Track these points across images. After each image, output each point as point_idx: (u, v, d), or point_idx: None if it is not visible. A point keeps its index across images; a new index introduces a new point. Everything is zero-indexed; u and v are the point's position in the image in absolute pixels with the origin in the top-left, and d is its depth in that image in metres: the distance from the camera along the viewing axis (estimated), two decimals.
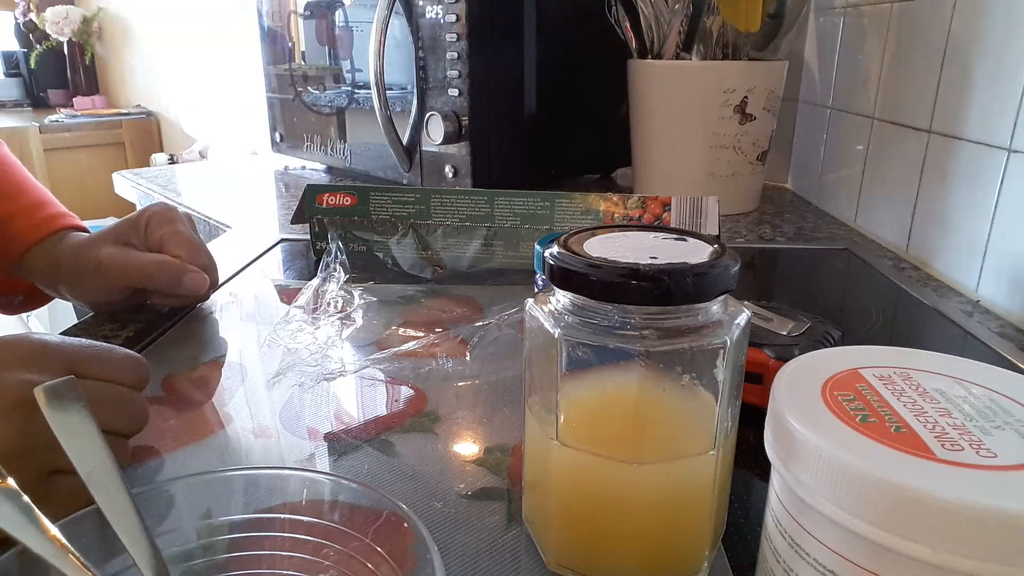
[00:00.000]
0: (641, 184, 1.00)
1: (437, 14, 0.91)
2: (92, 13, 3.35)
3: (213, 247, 0.83)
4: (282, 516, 0.29)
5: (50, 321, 2.34)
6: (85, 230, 0.63)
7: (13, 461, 0.26)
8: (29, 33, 3.46)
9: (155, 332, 0.57)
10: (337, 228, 0.72)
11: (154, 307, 0.61)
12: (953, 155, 0.70)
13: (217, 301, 0.65)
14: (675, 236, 0.32)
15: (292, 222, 0.76)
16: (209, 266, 0.59)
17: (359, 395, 0.49)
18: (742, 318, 0.29)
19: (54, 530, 0.25)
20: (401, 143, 1.01)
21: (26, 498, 0.25)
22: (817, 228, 0.91)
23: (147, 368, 0.39)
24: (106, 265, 0.56)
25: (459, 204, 0.71)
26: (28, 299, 0.67)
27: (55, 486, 0.32)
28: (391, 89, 1.00)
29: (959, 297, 0.67)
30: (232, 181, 1.26)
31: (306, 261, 0.76)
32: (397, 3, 0.94)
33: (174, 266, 0.56)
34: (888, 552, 0.20)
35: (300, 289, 0.64)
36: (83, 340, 0.37)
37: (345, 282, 0.65)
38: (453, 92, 0.93)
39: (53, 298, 0.66)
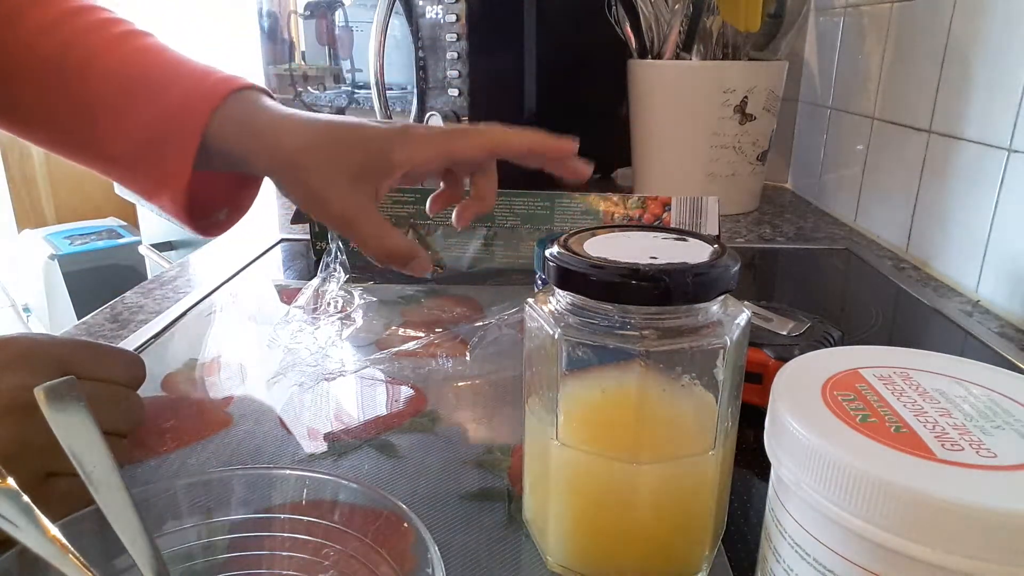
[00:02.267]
0: (641, 184, 1.00)
1: (437, 14, 0.91)
2: None
3: (213, 247, 0.83)
4: (282, 516, 0.29)
5: (50, 321, 2.34)
6: (264, 91, 0.48)
7: (8, 465, 0.25)
8: None
9: (155, 332, 0.57)
10: None
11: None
12: (953, 155, 0.70)
13: (217, 301, 0.65)
14: (675, 236, 0.32)
15: (292, 222, 0.76)
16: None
17: (359, 395, 0.49)
18: (742, 318, 0.29)
19: (54, 530, 0.24)
20: None
21: (26, 498, 0.25)
22: (817, 228, 0.91)
23: (143, 366, 0.38)
24: (325, 212, 0.44)
25: None
26: (231, 209, 0.52)
27: (52, 489, 0.32)
28: (391, 89, 1.00)
29: (959, 297, 0.67)
30: None
31: (306, 261, 0.76)
32: (397, 3, 0.94)
33: (401, 250, 0.44)
34: (888, 552, 0.20)
35: (300, 289, 0.64)
36: (76, 339, 0.37)
37: (345, 282, 0.65)
38: (453, 92, 0.93)
39: (254, 200, 0.53)
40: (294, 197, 0.45)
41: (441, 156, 0.45)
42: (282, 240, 0.83)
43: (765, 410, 0.24)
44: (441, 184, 0.50)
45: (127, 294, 0.67)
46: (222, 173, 0.49)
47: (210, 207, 0.51)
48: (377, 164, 0.43)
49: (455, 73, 0.92)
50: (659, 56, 0.92)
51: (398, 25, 0.97)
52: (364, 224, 0.43)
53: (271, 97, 0.47)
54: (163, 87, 0.45)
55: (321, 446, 0.42)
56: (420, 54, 0.95)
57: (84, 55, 0.44)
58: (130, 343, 0.55)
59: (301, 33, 1.17)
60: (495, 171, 0.48)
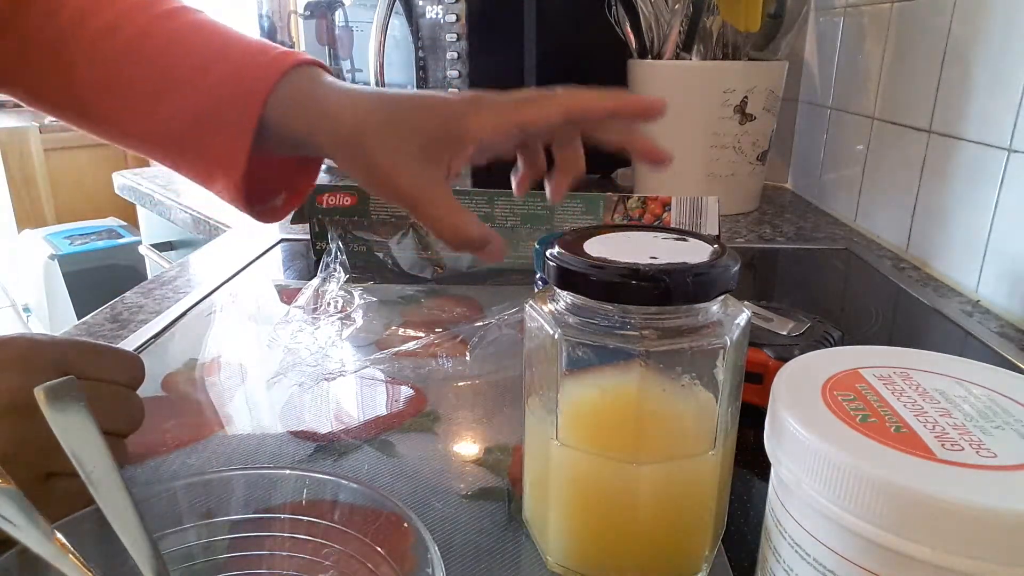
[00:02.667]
0: (641, 184, 1.00)
1: (437, 14, 0.91)
2: None
3: (213, 247, 0.83)
4: (282, 516, 0.29)
5: (50, 321, 2.34)
6: (322, 66, 0.45)
7: (8, 465, 0.25)
8: None
9: (155, 332, 0.57)
10: (337, 228, 0.72)
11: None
12: (953, 155, 0.70)
13: (217, 301, 0.65)
14: (675, 236, 0.32)
15: (292, 222, 0.76)
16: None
17: (359, 395, 0.49)
18: (742, 318, 0.29)
19: (54, 530, 0.24)
20: None
21: (26, 498, 0.25)
22: (817, 228, 0.91)
23: (142, 366, 0.38)
24: (391, 189, 0.41)
25: None
26: (289, 194, 0.50)
27: (52, 489, 0.32)
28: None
29: (959, 297, 0.67)
30: None
31: (306, 261, 0.76)
32: (397, 3, 0.94)
33: (471, 233, 0.41)
34: (888, 552, 0.20)
35: (300, 289, 0.64)
36: (75, 339, 0.37)
37: (345, 282, 0.65)
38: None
39: (313, 185, 0.50)
40: (359, 176, 0.42)
41: (516, 124, 0.41)
42: (282, 240, 0.83)
43: (765, 410, 0.24)
44: (519, 163, 0.46)
45: (127, 294, 0.67)
46: (279, 156, 0.47)
47: (267, 192, 0.48)
48: (448, 137, 0.40)
49: (455, 73, 0.92)
50: (659, 56, 0.92)
51: (398, 25, 0.97)
52: (435, 204, 0.40)
53: (329, 72, 0.45)
54: (216, 64, 0.42)
55: (321, 446, 0.42)
56: (420, 54, 0.95)
57: (133, 33, 0.43)
58: (130, 343, 0.55)
59: (301, 33, 1.17)
60: (578, 138, 0.44)
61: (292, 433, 0.44)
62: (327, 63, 1.13)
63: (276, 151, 0.44)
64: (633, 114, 0.43)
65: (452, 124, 0.40)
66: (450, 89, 0.93)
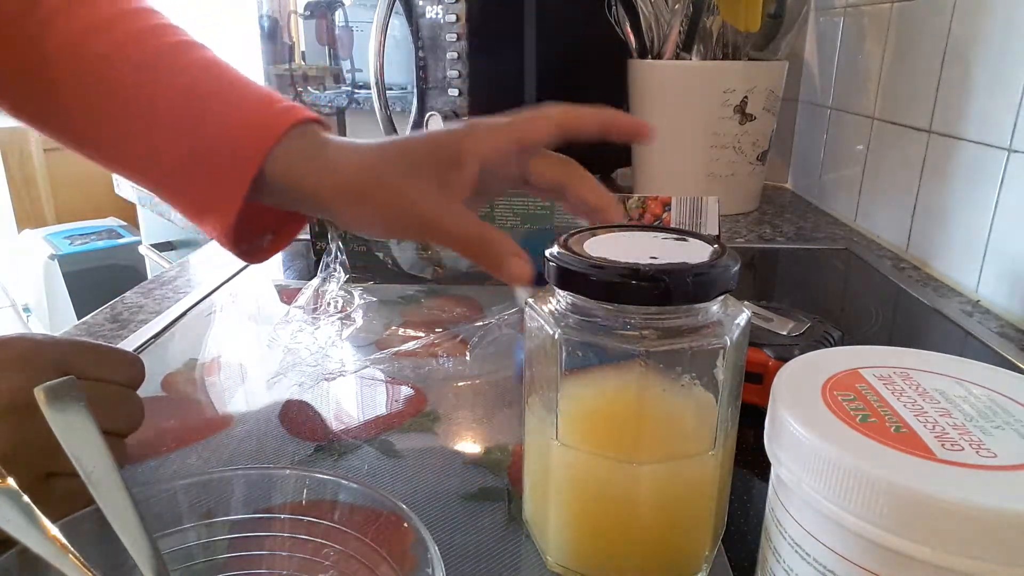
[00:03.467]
0: (641, 184, 1.00)
1: (437, 14, 0.91)
2: None
3: (213, 247, 0.83)
4: (282, 516, 0.29)
5: (50, 321, 2.34)
6: (323, 123, 0.45)
7: (8, 465, 0.25)
8: None
9: (155, 332, 0.57)
10: (337, 228, 0.72)
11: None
12: (953, 155, 0.70)
13: (217, 301, 0.65)
14: (675, 236, 0.32)
15: None
16: None
17: (359, 395, 0.49)
18: (742, 318, 0.29)
19: (54, 530, 0.24)
20: None
21: (26, 498, 0.25)
22: (817, 228, 0.91)
23: (142, 366, 0.38)
24: (410, 216, 0.41)
25: None
26: (276, 236, 0.50)
27: (52, 489, 0.32)
28: (391, 89, 1.00)
29: (959, 297, 0.67)
30: None
31: (306, 261, 0.76)
32: (397, 3, 0.94)
33: (495, 246, 0.41)
34: (888, 552, 0.20)
35: (300, 289, 0.64)
36: (75, 339, 0.37)
37: (345, 282, 0.65)
38: (453, 92, 0.93)
39: (302, 228, 0.50)
40: (370, 220, 0.42)
41: (511, 140, 0.42)
42: None
43: (765, 410, 0.24)
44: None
45: (127, 294, 0.67)
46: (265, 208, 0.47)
47: (255, 232, 0.48)
48: (451, 160, 0.41)
49: (455, 73, 0.92)
50: (659, 56, 0.92)
51: (398, 25, 0.97)
52: (458, 216, 0.40)
53: (328, 129, 0.45)
54: (220, 107, 0.42)
55: (321, 446, 0.42)
56: (420, 54, 0.95)
57: (139, 59, 0.42)
58: (130, 343, 0.55)
59: (301, 33, 1.17)
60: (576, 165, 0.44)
61: (292, 433, 0.44)
62: (327, 63, 1.13)
63: (269, 202, 0.44)
64: (622, 135, 0.44)
65: (453, 147, 0.41)
66: (450, 91, 0.93)
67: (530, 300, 0.31)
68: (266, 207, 0.46)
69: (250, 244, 0.48)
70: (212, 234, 0.45)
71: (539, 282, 0.44)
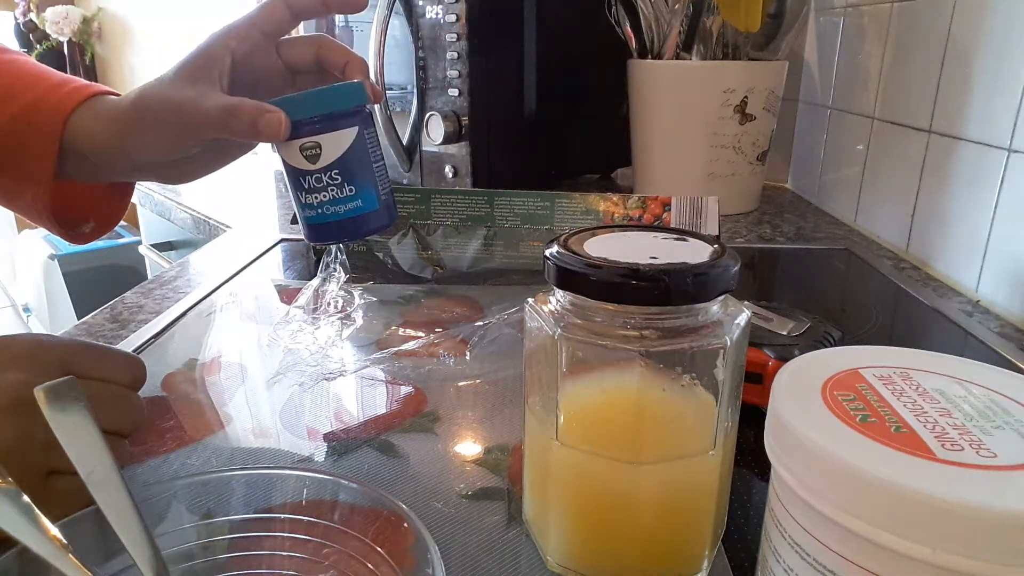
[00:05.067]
0: (641, 184, 1.00)
1: (437, 14, 0.91)
2: (92, 13, 3.35)
3: (213, 247, 0.83)
4: (282, 516, 0.29)
5: (50, 321, 2.34)
6: (118, 95, 0.50)
7: (10, 462, 0.26)
8: (29, 33, 3.46)
9: (155, 332, 0.57)
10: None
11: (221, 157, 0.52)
12: (953, 155, 0.70)
13: (217, 301, 0.65)
14: (675, 236, 0.32)
15: (292, 222, 0.76)
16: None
17: (359, 395, 0.49)
18: (742, 318, 0.29)
19: (54, 530, 0.25)
20: (401, 143, 1.01)
21: (26, 498, 0.25)
22: (817, 228, 0.91)
23: (143, 367, 0.39)
24: (177, 116, 0.45)
25: (459, 204, 0.71)
26: (97, 223, 0.55)
27: (53, 487, 0.32)
28: (391, 89, 1.00)
29: (959, 297, 0.67)
30: (232, 181, 1.26)
31: (306, 261, 0.76)
32: (397, 3, 0.94)
33: (246, 110, 0.45)
34: (888, 552, 0.20)
35: (300, 289, 0.64)
36: (79, 339, 0.37)
37: (345, 282, 0.65)
38: (453, 92, 0.93)
39: (122, 214, 0.56)
40: (154, 143, 0.46)
41: (251, 29, 0.47)
42: (282, 240, 0.83)
43: (765, 410, 0.24)
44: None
45: (127, 294, 0.67)
46: (89, 186, 0.53)
47: (77, 218, 0.54)
48: (201, 63, 0.46)
49: (455, 73, 0.92)
50: (659, 56, 0.92)
51: (398, 25, 0.97)
52: (201, 105, 0.44)
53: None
54: (23, 92, 0.48)
55: (321, 446, 0.42)
56: (420, 54, 0.95)
57: None
58: (130, 343, 0.55)
59: (301, 33, 1.17)
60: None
61: (292, 433, 0.44)
62: None
63: (82, 176, 0.50)
64: (338, 6, 0.50)
65: (203, 51, 0.47)
66: (450, 91, 0.93)
67: (530, 300, 0.31)
68: (84, 192, 0.53)
69: (73, 230, 0.54)
70: (32, 210, 0.51)
71: (297, 132, 0.44)
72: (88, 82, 0.50)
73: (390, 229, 0.72)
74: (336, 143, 0.46)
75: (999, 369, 0.25)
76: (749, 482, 0.39)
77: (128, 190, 0.56)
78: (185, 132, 0.46)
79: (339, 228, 0.47)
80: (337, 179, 0.46)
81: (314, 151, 0.45)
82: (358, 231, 0.48)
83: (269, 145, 0.48)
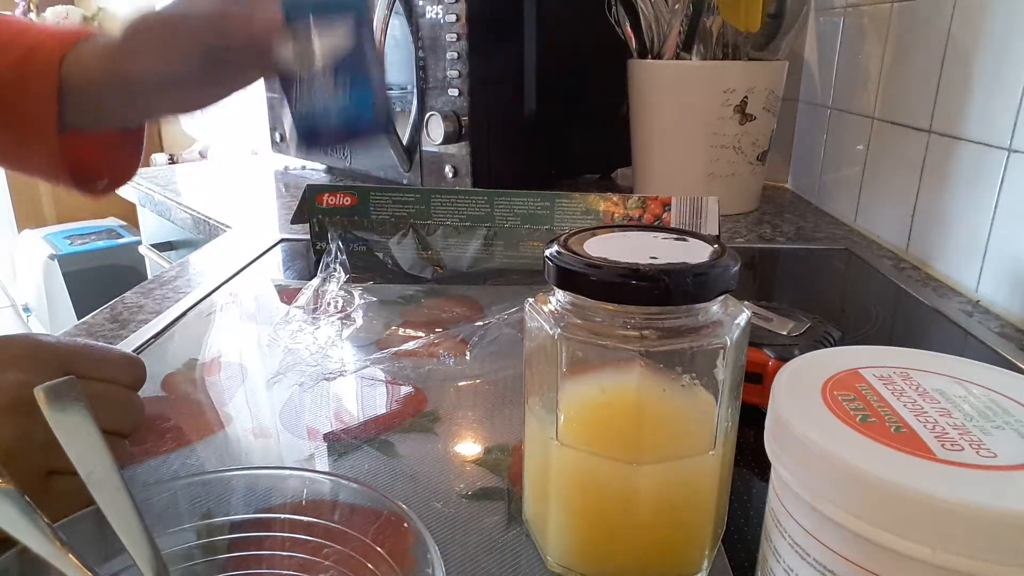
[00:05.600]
0: (641, 184, 1.00)
1: (437, 14, 0.91)
2: (92, 13, 3.35)
3: (213, 247, 0.83)
4: (282, 516, 0.29)
5: (50, 321, 2.34)
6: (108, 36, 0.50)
7: (11, 462, 0.26)
8: None
9: (155, 332, 0.57)
10: (337, 228, 0.72)
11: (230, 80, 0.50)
12: (953, 155, 0.70)
13: (217, 301, 0.65)
14: (675, 236, 0.32)
15: (292, 222, 0.76)
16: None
17: (359, 395, 0.49)
18: (742, 318, 0.29)
19: (54, 530, 0.24)
20: (401, 143, 1.01)
21: (26, 498, 0.25)
22: (817, 228, 0.91)
23: (143, 367, 0.39)
24: (164, 21, 0.45)
25: (459, 204, 0.71)
26: (111, 179, 0.56)
27: (53, 486, 0.32)
28: (391, 89, 1.00)
29: (959, 297, 0.67)
30: (232, 181, 1.26)
31: (306, 261, 0.76)
32: (397, 3, 0.94)
33: (242, 6, 0.45)
34: (888, 552, 0.20)
35: (300, 289, 0.64)
36: (79, 339, 0.37)
37: (345, 282, 0.65)
38: (453, 92, 0.93)
39: (135, 167, 0.56)
40: (164, 54, 0.46)
41: None
42: (282, 240, 0.83)
43: (765, 410, 0.24)
44: None
45: (127, 294, 0.67)
46: (99, 140, 0.52)
47: (91, 174, 0.54)
48: None
49: (455, 73, 0.92)
50: (659, 56, 0.92)
51: (398, 25, 0.97)
52: (196, 8, 0.44)
53: None
54: (16, 38, 0.48)
55: (321, 446, 0.42)
56: (420, 54, 0.95)
57: None
58: (130, 343, 0.55)
59: None
60: None
61: (292, 433, 0.44)
62: None
63: (86, 120, 0.49)
64: None
65: (180, 42, 0.46)
66: (450, 91, 0.93)
67: (530, 300, 0.31)
68: (94, 146, 0.52)
69: (88, 186, 0.54)
70: (42, 164, 0.50)
71: (291, 30, 0.43)
72: (79, 27, 0.50)
73: (390, 229, 0.71)
74: (331, 43, 0.45)
75: (999, 369, 0.25)
76: (749, 482, 0.39)
77: (138, 140, 0.55)
78: (182, 44, 0.45)
79: (330, 132, 0.47)
80: (331, 80, 0.46)
81: (308, 49, 0.45)
82: (351, 135, 0.48)
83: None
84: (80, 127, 0.50)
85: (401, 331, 0.58)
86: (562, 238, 0.31)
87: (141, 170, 1.32)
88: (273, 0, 0.44)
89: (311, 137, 0.47)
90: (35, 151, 0.49)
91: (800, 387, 0.24)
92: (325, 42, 0.45)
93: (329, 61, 0.45)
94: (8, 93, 0.47)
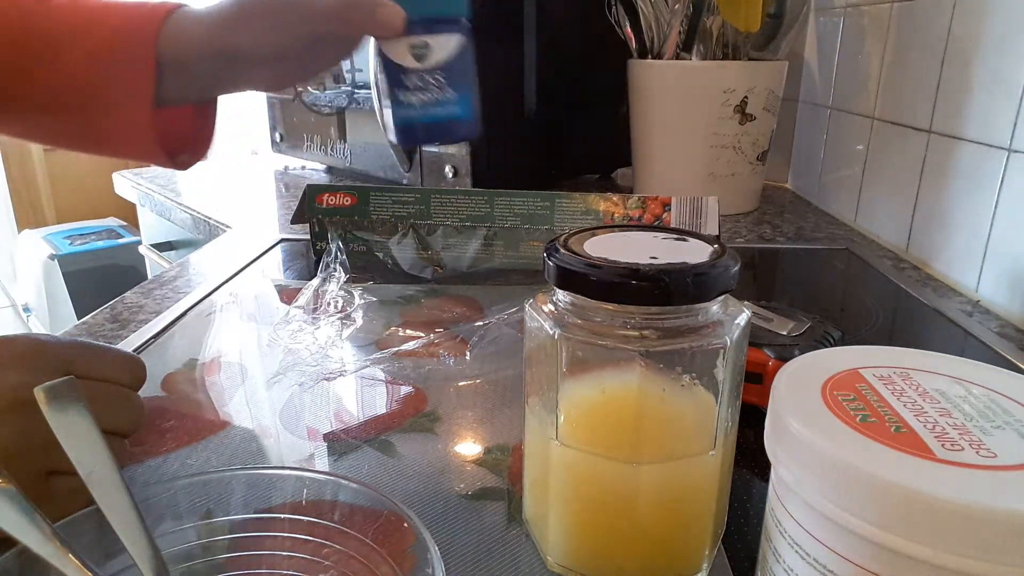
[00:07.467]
0: (641, 184, 1.00)
1: None
2: None
3: (213, 247, 0.83)
4: (282, 516, 0.29)
5: (50, 321, 2.34)
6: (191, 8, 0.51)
7: (10, 462, 0.25)
8: None
9: (155, 332, 0.57)
10: (337, 228, 0.72)
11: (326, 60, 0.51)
12: (953, 155, 0.70)
13: (217, 301, 0.65)
14: (675, 236, 0.32)
15: (292, 222, 0.76)
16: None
17: (359, 395, 0.49)
18: (742, 318, 0.29)
19: (54, 530, 0.24)
20: None
21: (26, 498, 0.25)
22: (817, 228, 0.91)
23: (143, 367, 0.39)
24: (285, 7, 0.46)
25: (459, 204, 0.71)
26: (191, 152, 0.55)
27: (54, 487, 0.32)
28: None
29: (959, 297, 0.67)
30: (232, 181, 1.26)
31: (306, 261, 0.76)
32: None
33: (367, 1, 0.45)
34: (888, 552, 0.20)
35: (300, 289, 0.64)
36: (79, 339, 0.37)
37: (345, 282, 0.65)
38: None
39: (211, 139, 0.56)
40: (262, 35, 0.46)
41: None
42: (282, 240, 0.83)
43: (765, 410, 0.24)
44: None
45: (127, 294, 0.67)
46: (174, 115, 0.52)
47: (175, 149, 0.53)
48: None
49: None
50: (659, 56, 0.92)
51: None
52: (322, 17, 0.45)
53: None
54: (103, 17, 0.47)
55: (321, 446, 0.42)
56: None
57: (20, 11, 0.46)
58: (130, 343, 0.55)
59: None
60: None
61: (292, 433, 0.44)
62: None
63: (180, 94, 0.49)
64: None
65: (288, 25, 0.46)
66: None
67: (530, 300, 0.31)
68: (172, 121, 0.51)
69: (174, 159, 0.54)
70: (135, 141, 0.49)
71: (409, 29, 0.45)
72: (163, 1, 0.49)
73: (390, 229, 0.71)
74: (444, 46, 0.48)
75: (999, 369, 0.25)
76: (749, 482, 0.39)
77: (212, 112, 0.55)
78: (299, 24, 0.45)
79: (429, 130, 0.50)
80: (441, 81, 0.48)
81: (423, 50, 0.47)
82: (449, 136, 0.51)
83: (371, 45, 0.47)
84: (174, 102, 0.49)
85: (401, 331, 0.58)
86: (562, 238, 0.31)
87: (141, 170, 1.32)
88: None
89: (408, 131, 0.50)
90: (128, 130, 0.48)
91: (800, 387, 0.24)
92: (438, 44, 0.48)
93: (440, 63, 0.48)
94: (101, 73, 0.46)
